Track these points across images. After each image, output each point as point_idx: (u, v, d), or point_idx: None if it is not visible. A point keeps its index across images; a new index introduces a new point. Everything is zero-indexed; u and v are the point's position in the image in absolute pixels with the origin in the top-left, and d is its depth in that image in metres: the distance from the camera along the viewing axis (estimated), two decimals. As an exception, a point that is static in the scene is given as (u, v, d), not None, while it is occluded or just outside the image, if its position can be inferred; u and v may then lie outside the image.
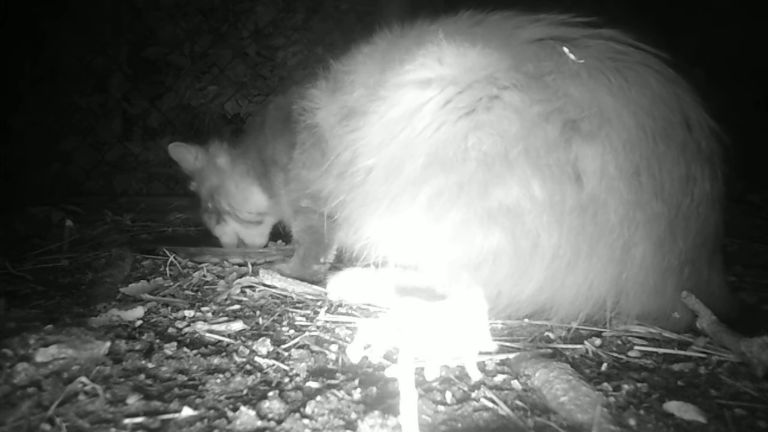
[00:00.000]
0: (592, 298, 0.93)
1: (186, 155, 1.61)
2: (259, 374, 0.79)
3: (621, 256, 0.91)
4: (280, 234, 1.66)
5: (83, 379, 0.74)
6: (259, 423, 0.66)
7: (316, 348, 0.89)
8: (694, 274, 0.94)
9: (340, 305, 1.11)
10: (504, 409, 0.70)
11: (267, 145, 1.44)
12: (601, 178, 0.88)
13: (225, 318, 1.02)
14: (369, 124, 1.06)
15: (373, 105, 1.06)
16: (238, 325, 0.97)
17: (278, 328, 0.98)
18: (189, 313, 1.04)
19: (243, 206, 1.57)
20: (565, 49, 0.95)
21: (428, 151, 0.95)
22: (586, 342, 0.92)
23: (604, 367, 0.83)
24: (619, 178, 0.88)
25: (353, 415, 0.67)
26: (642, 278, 0.92)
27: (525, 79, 0.93)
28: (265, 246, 1.64)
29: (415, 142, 0.97)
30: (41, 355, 0.79)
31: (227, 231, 1.62)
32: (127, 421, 0.65)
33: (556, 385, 0.73)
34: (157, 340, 0.90)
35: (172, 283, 1.23)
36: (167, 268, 1.33)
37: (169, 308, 1.07)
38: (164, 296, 1.14)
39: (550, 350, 0.89)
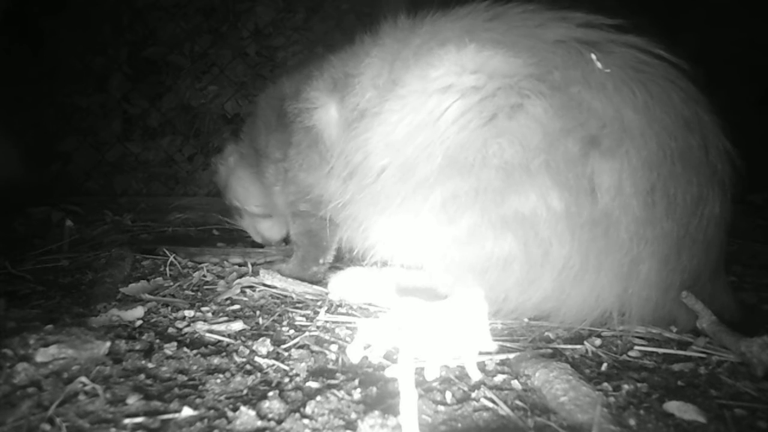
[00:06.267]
0: (598, 310, 0.94)
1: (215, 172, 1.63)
2: (259, 374, 0.79)
3: (628, 271, 0.90)
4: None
5: (83, 379, 0.74)
6: (259, 423, 0.66)
7: (316, 348, 0.89)
8: (696, 288, 0.94)
9: (340, 305, 1.11)
10: (504, 409, 0.70)
11: (260, 137, 1.42)
12: (616, 195, 0.88)
13: (225, 318, 1.02)
14: (384, 123, 1.03)
15: (387, 105, 1.04)
16: (238, 325, 0.97)
17: (278, 328, 0.98)
18: (189, 313, 1.04)
19: (247, 199, 1.56)
20: (593, 56, 0.92)
21: (446, 153, 0.94)
22: (586, 342, 0.92)
23: (604, 367, 0.83)
24: (633, 196, 0.88)
25: (353, 415, 0.67)
26: (645, 294, 0.92)
27: (549, 90, 0.91)
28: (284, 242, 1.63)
29: (433, 144, 0.96)
30: (41, 355, 0.79)
31: (247, 226, 1.63)
32: (127, 421, 0.65)
33: (556, 385, 0.73)
34: (157, 340, 0.90)
35: (172, 283, 1.23)
36: (167, 268, 1.33)
37: (169, 308, 1.07)
38: (164, 296, 1.14)
39: (550, 350, 0.89)
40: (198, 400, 0.71)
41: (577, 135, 0.89)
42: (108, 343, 0.84)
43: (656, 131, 0.88)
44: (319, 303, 1.12)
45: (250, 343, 0.90)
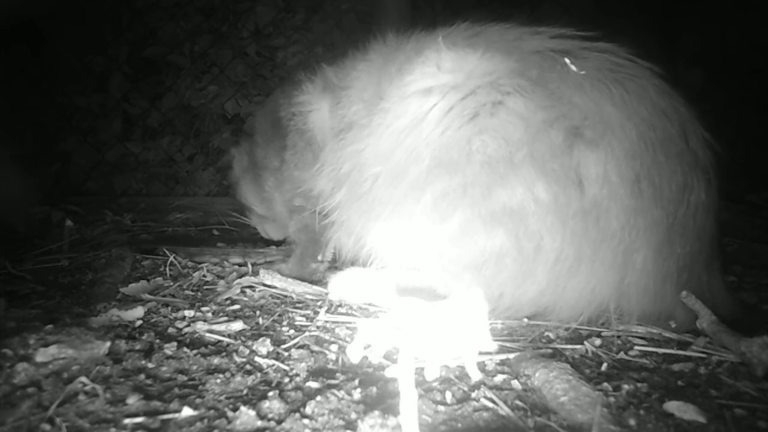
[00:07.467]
0: (595, 302, 0.94)
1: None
2: (259, 374, 0.79)
3: (623, 261, 0.91)
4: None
5: (83, 379, 0.74)
6: (259, 423, 0.66)
7: (316, 348, 0.89)
8: (693, 279, 0.95)
9: (340, 305, 1.11)
10: (504, 409, 0.70)
11: (258, 149, 1.44)
12: (603, 184, 0.90)
13: (225, 318, 1.02)
14: (373, 135, 1.07)
15: (374, 118, 1.07)
16: (238, 325, 0.97)
17: (278, 328, 0.98)
18: (189, 313, 1.04)
19: (250, 200, 1.56)
20: (567, 60, 0.96)
21: (433, 154, 0.97)
22: (586, 342, 0.92)
23: (604, 367, 0.84)
24: (620, 185, 0.90)
25: (353, 415, 0.67)
26: (643, 284, 0.93)
27: (529, 86, 0.94)
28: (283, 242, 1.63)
29: (419, 147, 0.98)
30: (41, 355, 0.79)
31: (256, 223, 1.62)
32: (127, 421, 0.65)
33: (556, 385, 0.73)
34: (157, 340, 0.90)
35: (172, 283, 1.23)
36: (167, 268, 1.33)
37: (169, 308, 1.07)
38: (164, 296, 1.14)
39: (550, 350, 0.89)
40: (198, 400, 0.71)
41: (561, 126, 0.91)
42: (108, 343, 0.84)
43: (635, 123, 0.91)
44: (319, 303, 1.12)
45: (250, 343, 0.90)
